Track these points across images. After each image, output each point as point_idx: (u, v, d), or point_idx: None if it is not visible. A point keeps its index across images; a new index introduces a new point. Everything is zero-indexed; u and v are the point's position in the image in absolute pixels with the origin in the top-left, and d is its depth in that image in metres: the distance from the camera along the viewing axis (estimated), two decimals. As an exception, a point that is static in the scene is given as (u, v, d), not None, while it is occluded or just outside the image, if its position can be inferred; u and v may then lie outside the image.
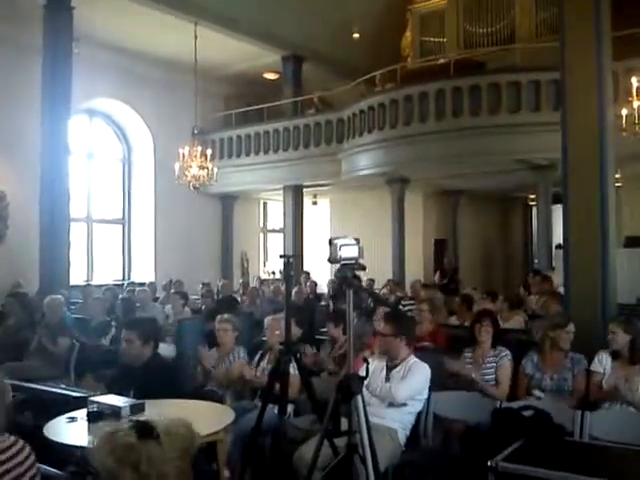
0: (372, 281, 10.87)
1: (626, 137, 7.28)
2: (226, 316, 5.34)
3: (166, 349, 6.34)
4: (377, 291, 9.87)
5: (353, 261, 2.99)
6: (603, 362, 4.20)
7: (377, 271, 10.61)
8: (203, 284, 10.76)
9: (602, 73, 5.51)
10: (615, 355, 4.20)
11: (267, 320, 5.15)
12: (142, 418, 1.66)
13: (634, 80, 7.53)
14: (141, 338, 4.10)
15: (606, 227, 5.44)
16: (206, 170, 11.60)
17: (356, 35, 13.94)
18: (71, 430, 3.31)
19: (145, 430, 1.55)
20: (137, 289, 9.39)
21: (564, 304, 5.78)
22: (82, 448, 3.00)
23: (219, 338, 5.20)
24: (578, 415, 3.69)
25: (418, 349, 4.33)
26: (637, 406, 3.94)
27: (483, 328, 4.66)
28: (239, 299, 9.78)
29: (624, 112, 7.48)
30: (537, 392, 4.28)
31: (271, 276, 15.40)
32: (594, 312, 5.35)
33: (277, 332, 4.87)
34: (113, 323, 7.28)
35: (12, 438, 2.14)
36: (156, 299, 9.69)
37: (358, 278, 3.15)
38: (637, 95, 7.49)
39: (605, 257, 5.41)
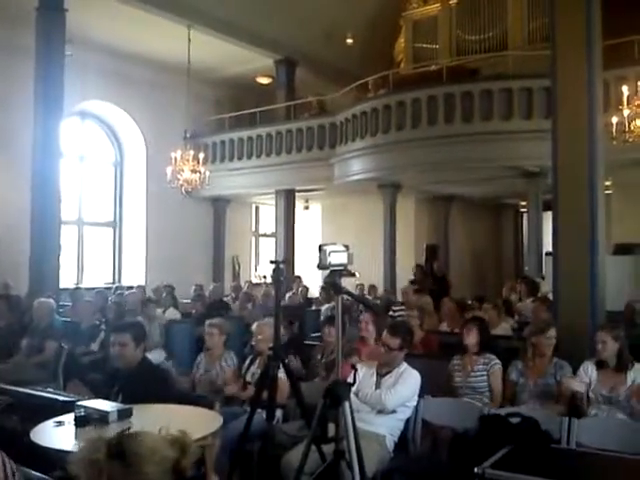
0: (362, 286, 10.88)
1: (616, 145, 7.33)
2: (215, 320, 5.33)
3: (155, 353, 6.33)
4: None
5: (342, 267, 3.00)
6: (588, 372, 4.20)
7: (368, 277, 10.63)
8: (196, 285, 10.76)
9: (592, 81, 5.53)
10: (600, 364, 4.20)
11: (254, 325, 5.14)
12: (137, 429, 1.66)
13: (625, 89, 7.59)
14: (134, 340, 4.08)
15: (595, 234, 5.45)
16: (198, 174, 11.59)
17: (349, 40, 13.99)
18: (58, 435, 3.27)
19: (115, 449, 1.57)
20: (126, 292, 9.35)
21: (553, 311, 5.80)
22: (69, 453, 2.98)
23: (207, 342, 5.20)
24: (565, 422, 3.70)
25: (408, 356, 4.34)
26: (626, 412, 3.95)
27: (471, 333, 4.68)
28: (230, 303, 9.77)
29: (614, 120, 7.53)
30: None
31: (262, 280, 15.38)
32: (583, 319, 5.35)
33: (260, 337, 4.86)
34: (102, 327, 7.24)
35: None
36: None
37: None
38: (627, 103, 7.55)
39: (594, 264, 5.42)
